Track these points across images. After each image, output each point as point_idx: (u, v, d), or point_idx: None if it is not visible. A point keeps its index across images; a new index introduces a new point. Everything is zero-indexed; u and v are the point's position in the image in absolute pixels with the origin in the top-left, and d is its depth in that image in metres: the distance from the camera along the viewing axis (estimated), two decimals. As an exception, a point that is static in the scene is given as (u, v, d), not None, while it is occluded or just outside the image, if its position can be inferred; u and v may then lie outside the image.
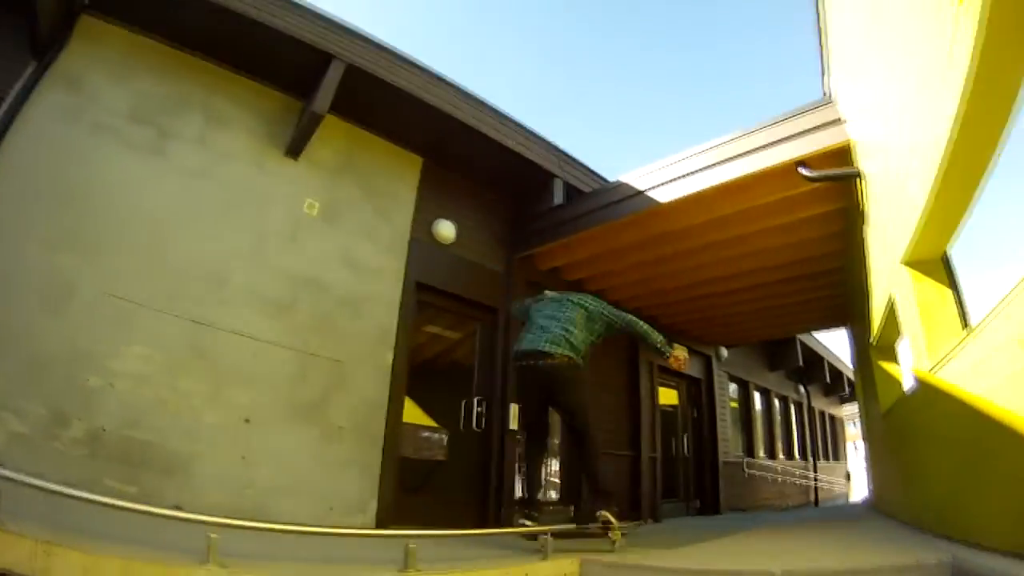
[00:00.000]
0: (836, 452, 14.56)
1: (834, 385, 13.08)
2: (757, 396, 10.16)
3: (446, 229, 5.35)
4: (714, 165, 4.46)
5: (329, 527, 3.74)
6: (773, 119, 4.26)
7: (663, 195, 4.78)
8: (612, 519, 3.37)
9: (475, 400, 5.23)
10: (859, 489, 13.87)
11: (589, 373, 3.83)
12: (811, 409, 12.28)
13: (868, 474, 6.39)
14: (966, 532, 2.52)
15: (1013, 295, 1.99)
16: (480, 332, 5.63)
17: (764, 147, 4.19)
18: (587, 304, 3.89)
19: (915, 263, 3.11)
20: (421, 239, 5.19)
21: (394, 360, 4.66)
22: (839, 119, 4.01)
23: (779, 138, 4.15)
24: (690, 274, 6.27)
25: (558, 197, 5.86)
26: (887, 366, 4.69)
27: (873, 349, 4.79)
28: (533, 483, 3.77)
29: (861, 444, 10.75)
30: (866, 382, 5.84)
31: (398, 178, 5.23)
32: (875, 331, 4.47)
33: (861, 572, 2.31)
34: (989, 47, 1.83)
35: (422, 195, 5.30)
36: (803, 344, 10.44)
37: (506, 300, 5.70)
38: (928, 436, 3.23)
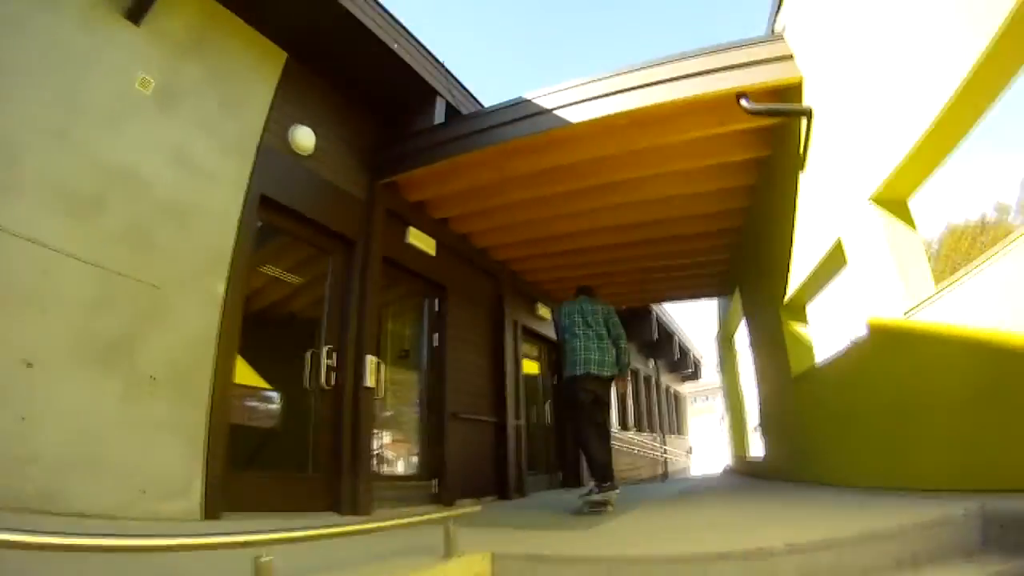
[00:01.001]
0: (680, 427, 16.52)
1: (680, 362, 14.69)
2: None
3: (304, 137, 4.66)
4: (641, 87, 4.40)
5: (140, 517, 3.12)
6: (717, 46, 4.29)
7: (574, 115, 4.62)
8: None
9: (324, 351, 4.76)
10: (701, 462, 15.91)
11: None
12: (659, 384, 13.66)
13: (765, 441, 7.08)
14: (982, 479, 2.55)
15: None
16: (333, 268, 5.07)
17: (704, 72, 4.22)
18: (612, 324, 5.09)
19: (885, 201, 3.28)
20: (273, 146, 4.43)
21: (227, 292, 3.94)
22: (789, 55, 4.17)
23: (722, 65, 4.20)
24: (577, 220, 6.32)
25: (439, 117, 5.54)
26: (797, 328, 5.27)
27: (784, 309, 5.33)
28: (609, 460, 4.69)
29: (722, 417, 12.08)
30: (767, 348, 6.24)
31: (255, 70, 4.42)
32: (790, 289, 4.87)
33: (882, 536, 2.25)
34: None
35: (280, 96, 4.54)
36: (658, 318, 11.48)
37: (366, 232, 5.27)
38: (903, 381, 3.24)
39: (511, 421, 6.85)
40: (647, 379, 13.04)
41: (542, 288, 8.38)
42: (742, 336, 9.61)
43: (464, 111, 5.72)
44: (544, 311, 8.40)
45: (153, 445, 3.35)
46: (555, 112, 4.78)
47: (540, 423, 8.25)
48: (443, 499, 5.53)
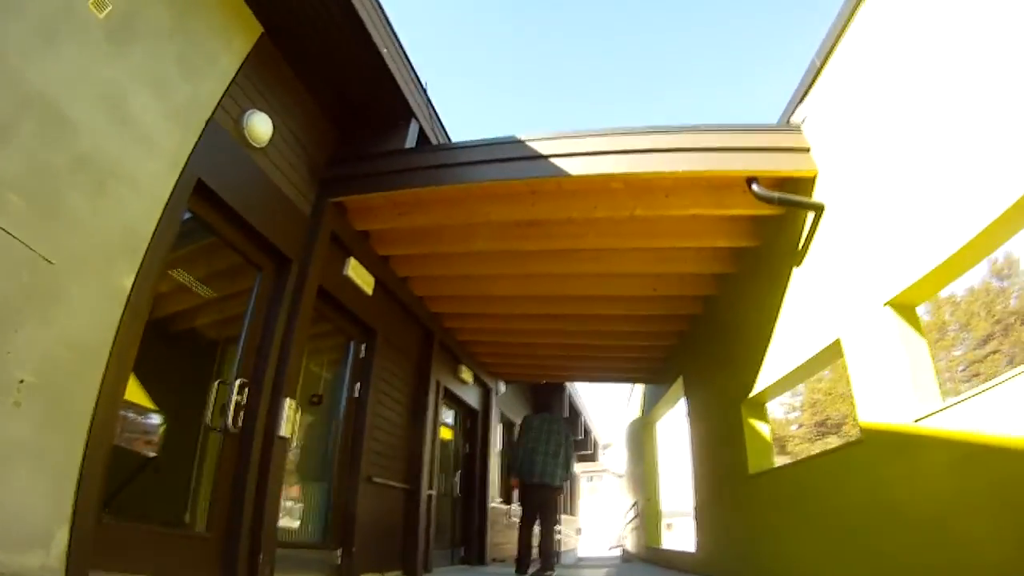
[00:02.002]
0: (572, 507, 16.05)
1: (581, 442, 14.36)
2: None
3: (261, 126, 3.93)
4: (647, 151, 4.16)
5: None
6: (733, 125, 4.17)
7: (569, 167, 4.25)
8: None
9: (236, 385, 3.86)
10: (589, 544, 15.33)
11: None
12: None
13: (700, 531, 6.70)
14: None
15: None
16: (261, 287, 4.26)
17: (716, 150, 4.06)
18: (568, 446, 6.14)
19: (901, 307, 3.19)
20: (224, 127, 3.67)
21: (134, 289, 3.09)
22: (807, 147, 4.09)
23: (736, 146, 4.07)
24: (529, 283, 5.90)
25: (410, 142, 5.03)
26: (757, 426, 5.03)
27: (745, 405, 5.09)
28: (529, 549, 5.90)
29: (627, 500, 11.60)
30: (716, 442, 6.02)
31: (224, 36, 3.72)
32: (758, 385, 4.67)
33: None
34: None
35: (244, 73, 3.84)
36: (570, 396, 11.15)
37: (305, 252, 4.52)
38: (902, 486, 3.12)
39: (424, 490, 6.04)
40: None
41: (468, 350, 7.80)
42: (667, 425, 9.50)
43: (434, 141, 5.26)
44: (467, 374, 7.78)
45: (9, 475, 2.36)
46: (550, 160, 4.42)
47: (449, 494, 7.44)
48: (347, 572, 4.60)
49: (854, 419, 4.16)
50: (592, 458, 17.28)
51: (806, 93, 4.20)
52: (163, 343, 4.12)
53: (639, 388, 10.49)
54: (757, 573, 4.72)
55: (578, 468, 17.54)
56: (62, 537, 2.53)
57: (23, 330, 2.48)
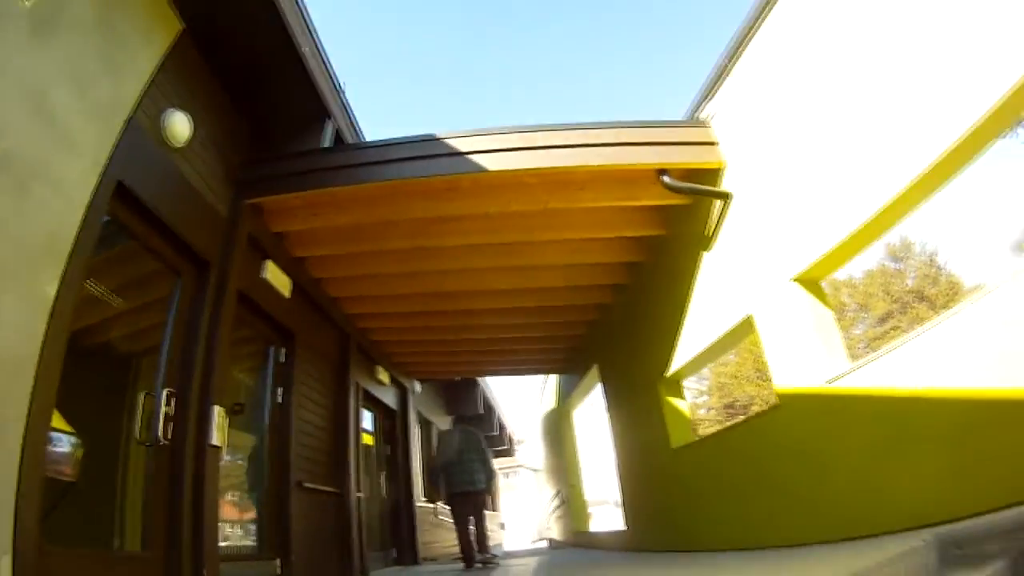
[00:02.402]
0: (495, 502, 16.04)
1: (497, 438, 14.47)
2: (434, 439, 10.31)
3: (180, 125, 3.74)
4: (561, 147, 4.37)
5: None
6: (643, 121, 4.47)
7: (485, 163, 4.39)
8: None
9: (162, 395, 3.66)
10: (513, 538, 15.39)
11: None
12: None
13: (628, 509, 6.89)
14: (903, 518, 2.78)
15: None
16: (182, 293, 4.04)
17: (627, 144, 4.33)
18: (488, 454, 6.86)
19: (807, 281, 3.58)
20: (143, 126, 3.46)
21: (59, 296, 2.86)
22: (714, 141, 4.46)
23: (647, 140, 4.37)
24: (445, 279, 6.00)
25: (326, 142, 4.97)
26: (676, 403, 5.39)
27: (663, 384, 5.43)
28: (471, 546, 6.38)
29: (557, 493, 11.77)
30: (636, 423, 6.29)
31: (144, 33, 3.54)
32: (674, 365, 5.00)
33: (869, 571, 2.35)
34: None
35: (163, 71, 3.65)
36: (483, 391, 11.27)
37: (224, 256, 4.35)
38: (822, 440, 3.46)
39: (353, 493, 5.97)
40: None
41: (383, 350, 7.75)
42: (581, 417, 9.86)
43: (349, 140, 5.24)
44: (383, 375, 7.72)
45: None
46: (467, 156, 4.55)
47: (376, 496, 7.36)
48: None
49: (761, 400, 4.64)
50: (508, 453, 17.53)
51: (714, 91, 4.59)
52: (72, 359, 3.83)
53: (553, 380, 10.80)
54: (687, 541, 5.08)
55: (496, 464, 17.74)
56: (5, 568, 2.35)
57: (-57, 345, 2.28)
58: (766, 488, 4.07)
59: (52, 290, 2.81)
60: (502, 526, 17.02)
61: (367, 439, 7.50)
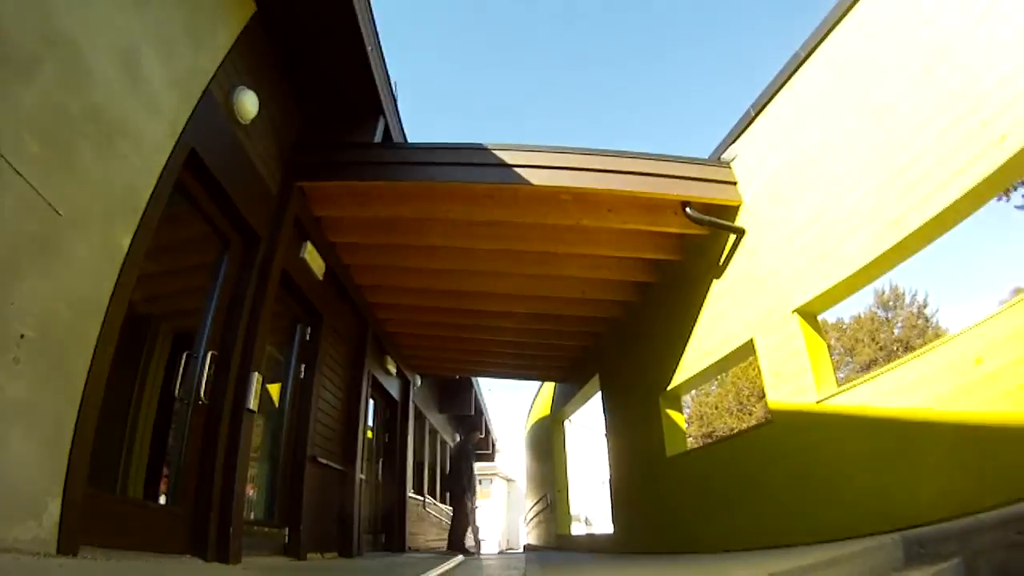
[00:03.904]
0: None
1: (482, 441, 14.34)
2: (427, 434, 10.22)
3: (249, 103, 3.72)
4: (599, 170, 4.45)
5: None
6: (675, 156, 4.57)
7: (533, 176, 4.42)
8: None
9: (206, 357, 3.61)
10: (488, 540, 15.19)
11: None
12: None
13: (618, 512, 6.89)
14: (881, 522, 2.94)
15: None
16: (229, 261, 4.00)
17: (660, 175, 4.44)
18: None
19: (805, 313, 3.75)
20: (216, 99, 3.46)
21: (131, 248, 2.82)
22: (735, 180, 4.59)
23: (676, 174, 4.49)
24: (469, 279, 5.99)
25: (377, 136, 4.97)
26: (673, 415, 5.43)
27: (663, 397, 5.47)
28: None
29: (524, 500, 11.66)
30: (633, 432, 6.31)
31: (224, 9, 3.55)
32: (676, 379, 5.07)
33: (838, 560, 2.52)
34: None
35: (237, 49, 3.63)
36: (476, 394, 11.18)
37: (273, 232, 4.33)
38: (808, 453, 3.63)
39: (358, 474, 5.89)
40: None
41: (394, 341, 7.70)
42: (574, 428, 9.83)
43: (396, 139, 5.25)
44: (391, 365, 7.67)
45: (3, 437, 2.10)
46: (512, 168, 4.58)
47: (372, 481, 7.26)
48: (294, 551, 4.42)
49: (740, 431, 4.72)
50: (490, 457, 17.37)
51: (739, 136, 4.72)
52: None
53: (545, 389, 10.80)
54: (675, 543, 5.08)
55: (476, 467, 17.56)
56: (54, 508, 2.26)
57: (26, 281, 2.23)
58: (753, 495, 4.15)
59: (126, 241, 2.77)
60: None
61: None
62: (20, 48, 2.12)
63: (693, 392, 27.12)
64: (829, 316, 25.65)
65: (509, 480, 25.88)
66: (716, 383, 25.89)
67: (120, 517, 2.82)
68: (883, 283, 25.03)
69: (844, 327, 25.77)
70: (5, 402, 2.10)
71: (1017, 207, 12.91)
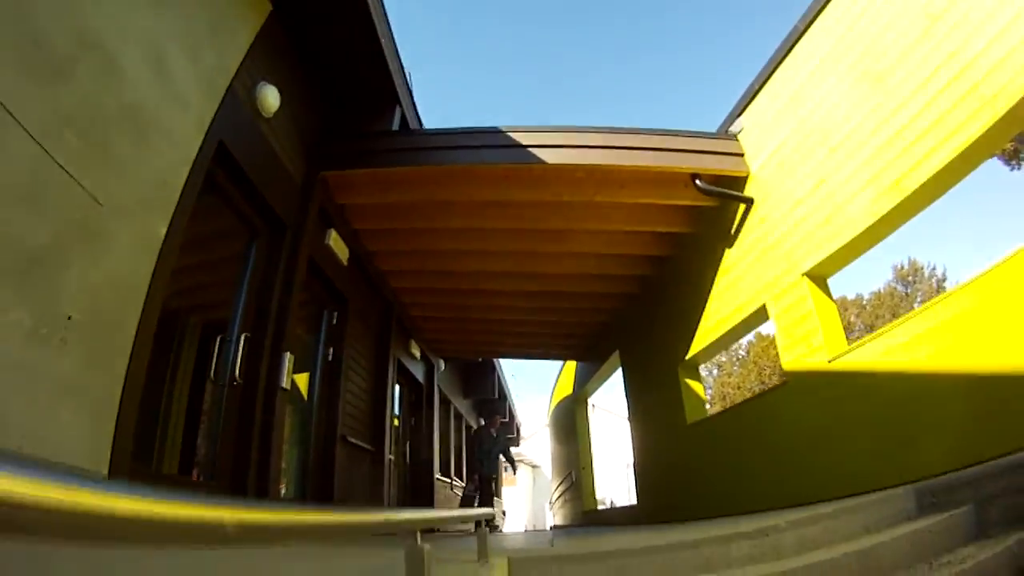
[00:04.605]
0: (498, 488, 16.00)
1: (505, 426, 14.44)
2: (452, 418, 10.39)
3: (271, 97, 3.85)
4: (611, 147, 4.48)
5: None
6: (684, 131, 4.58)
7: (548, 155, 4.49)
8: None
9: (240, 340, 3.77)
10: (514, 523, 15.42)
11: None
12: None
13: (642, 484, 6.97)
14: (894, 476, 3.02)
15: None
16: (257, 250, 4.15)
17: (669, 150, 4.45)
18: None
19: (815, 277, 3.80)
20: (240, 95, 3.58)
21: (167, 237, 2.98)
22: (742, 152, 4.61)
23: (686, 148, 4.51)
24: (488, 260, 6.07)
25: (394, 125, 5.07)
26: (692, 384, 5.49)
27: (682, 367, 5.54)
28: None
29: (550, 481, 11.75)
30: (655, 404, 6.38)
31: (243, 9, 3.67)
32: (694, 349, 5.14)
33: (850, 510, 2.62)
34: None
35: (256, 47, 3.75)
36: (499, 377, 11.29)
37: (299, 220, 4.47)
38: (822, 411, 3.74)
39: (387, 454, 6.07)
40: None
41: (418, 325, 7.85)
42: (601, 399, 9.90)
43: (412, 126, 5.33)
44: (415, 349, 7.83)
45: (55, 412, 2.25)
46: (527, 149, 4.64)
47: (400, 462, 7.45)
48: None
49: (757, 394, 4.77)
50: (514, 443, 17.51)
51: (744, 109, 4.72)
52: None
53: (566, 372, 10.87)
54: (698, 509, 5.15)
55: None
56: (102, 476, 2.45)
57: (73, 267, 2.37)
58: (771, 455, 4.24)
59: (162, 230, 2.91)
60: (504, 513, 16.95)
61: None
62: (57, 50, 2.25)
63: (715, 372, 26.98)
64: (849, 292, 25.22)
65: (534, 467, 26.05)
66: (738, 364, 25.58)
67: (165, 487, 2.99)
68: (902, 258, 24.38)
69: (864, 303, 25.15)
70: (55, 379, 2.26)
71: (1031, 175, 12.66)
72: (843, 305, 24.20)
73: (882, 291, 25.04)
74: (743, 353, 26.17)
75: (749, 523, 2.84)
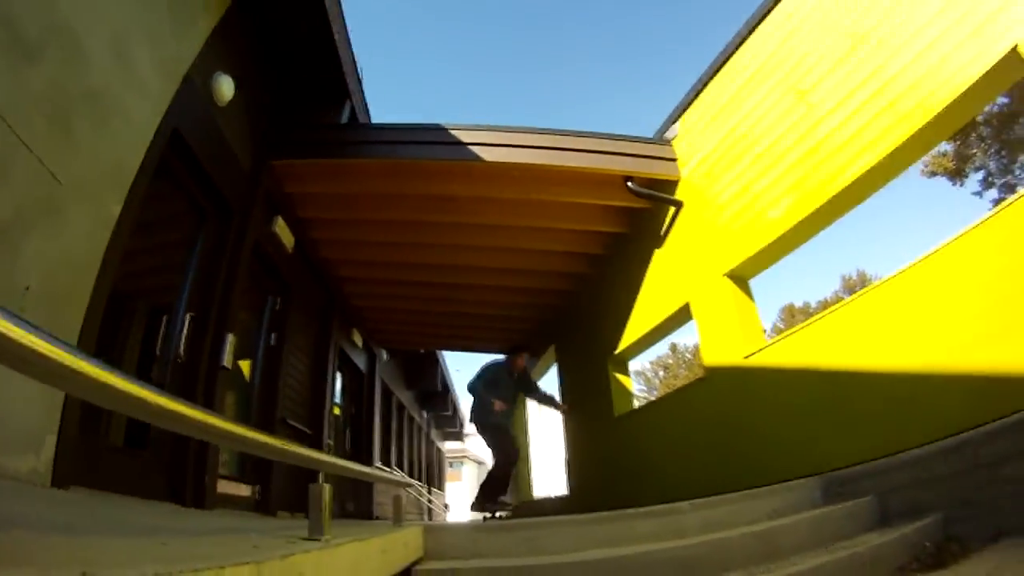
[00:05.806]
0: (441, 482, 16.00)
1: (449, 419, 14.51)
2: (394, 409, 10.50)
3: (226, 88, 3.99)
4: (549, 148, 4.83)
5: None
6: (617, 135, 4.96)
7: (485, 153, 4.80)
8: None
9: (185, 319, 3.90)
10: (457, 517, 15.52)
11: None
12: (429, 435, 13.30)
13: (573, 475, 7.23)
14: (805, 467, 3.31)
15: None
16: (206, 233, 4.27)
17: (604, 152, 4.82)
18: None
19: (735, 278, 4.20)
20: (196, 84, 3.72)
21: (121, 217, 3.11)
22: (675, 157, 5.01)
23: (619, 151, 4.87)
24: (430, 252, 6.31)
25: (343, 118, 5.26)
26: (621, 378, 5.89)
27: (611, 361, 5.92)
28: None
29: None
30: (585, 396, 6.66)
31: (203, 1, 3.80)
32: (623, 344, 5.50)
33: (758, 496, 2.89)
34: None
35: (214, 37, 3.87)
36: (443, 370, 11.44)
37: (245, 206, 4.61)
38: (739, 406, 4.07)
39: (325, 438, 6.23)
40: (420, 429, 12.77)
41: (360, 315, 8.00)
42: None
43: (361, 120, 5.53)
44: (358, 338, 7.98)
45: (7, 379, 2.38)
46: (467, 146, 4.94)
47: (340, 449, 7.58)
48: (264, 508, 4.74)
49: (678, 388, 5.20)
50: (458, 437, 17.64)
51: (678, 117, 5.18)
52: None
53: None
54: (622, 498, 5.48)
55: (445, 446, 17.70)
56: (51, 443, 2.56)
57: (32, 240, 2.51)
58: (691, 447, 4.63)
59: (117, 210, 3.05)
60: (446, 507, 17.11)
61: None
62: (27, 35, 2.39)
63: (662, 374, 27.99)
64: (796, 300, 26.66)
65: (479, 463, 26.33)
66: (684, 367, 26.64)
67: (106, 462, 3.12)
68: (850, 268, 26.12)
69: (811, 311, 26.79)
70: (12, 345, 2.39)
71: (973, 193, 14.20)
72: (790, 312, 25.77)
73: (829, 299, 26.65)
74: (689, 356, 27.14)
75: (657, 507, 3.03)
